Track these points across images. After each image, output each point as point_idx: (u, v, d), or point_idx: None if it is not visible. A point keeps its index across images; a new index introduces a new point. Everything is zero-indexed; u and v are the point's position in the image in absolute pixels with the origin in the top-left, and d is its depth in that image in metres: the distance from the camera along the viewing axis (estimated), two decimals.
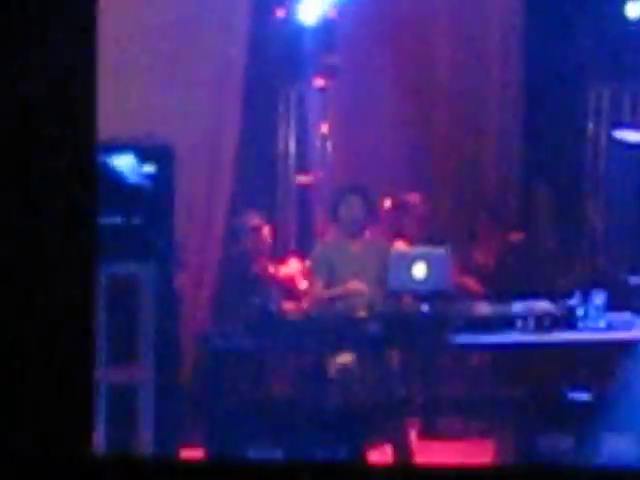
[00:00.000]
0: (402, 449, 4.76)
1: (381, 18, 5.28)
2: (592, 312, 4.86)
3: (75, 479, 3.10)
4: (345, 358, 4.73)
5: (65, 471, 3.06)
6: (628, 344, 4.88)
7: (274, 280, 5.32)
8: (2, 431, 3.05)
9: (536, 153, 5.68)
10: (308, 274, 5.29)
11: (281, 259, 5.44)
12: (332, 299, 4.99)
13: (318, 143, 5.75)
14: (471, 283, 5.17)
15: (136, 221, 4.72)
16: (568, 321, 4.86)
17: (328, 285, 5.07)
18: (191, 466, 4.12)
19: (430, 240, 5.18)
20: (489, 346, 4.96)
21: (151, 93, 5.03)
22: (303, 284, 5.34)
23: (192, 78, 5.18)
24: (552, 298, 4.95)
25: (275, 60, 5.47)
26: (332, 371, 4.80)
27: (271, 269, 5.35)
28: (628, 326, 4.86)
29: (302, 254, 5.52)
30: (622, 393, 4.81)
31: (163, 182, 4.74)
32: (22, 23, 3.14)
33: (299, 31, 5.40)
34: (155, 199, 4.74)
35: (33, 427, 3.05)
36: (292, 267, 5.33)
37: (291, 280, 5.34)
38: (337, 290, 5.05)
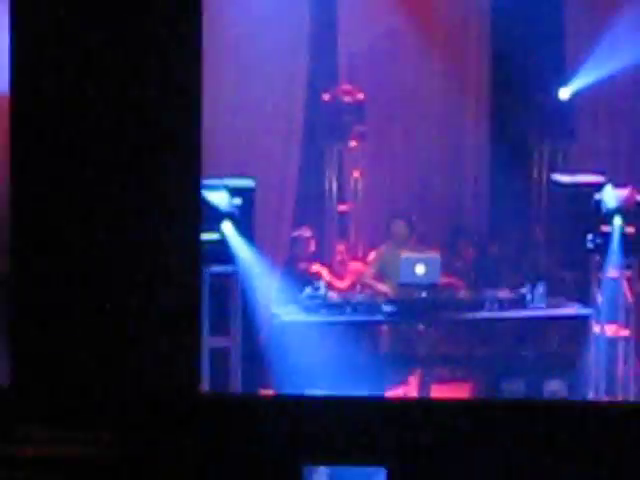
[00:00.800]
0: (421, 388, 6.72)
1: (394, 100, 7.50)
2: (537, 297, 6.73)
3: (190, 410, 3.96)
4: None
5: (184, 405, 3.97)
6: (561, 318, 7.01)
7: (318, 276, 6.99)
8: (146, 381, 3.91)
9: (501, 191, 7.71)
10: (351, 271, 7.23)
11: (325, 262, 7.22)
12: (366, 286, 6.99)
13: (352, 183, 7.60)
14: (454, 280, 7.03)
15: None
16: (521, 303, 6.76)
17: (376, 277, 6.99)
18: (265, 400, 5.67)
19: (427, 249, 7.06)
20: (467, 321, 6.81)
21: (242, 142, 6.87)
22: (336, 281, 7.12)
23: (268, 133, 7.03)
24: (510, 288, 6.89)
25: (323, 126, 7.39)
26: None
27: (315, 268, 7.05)
28: (561, 306, 6.93)
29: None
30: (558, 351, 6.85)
31: (247, 210, 6.38)
32: (141, 73, 3.77)
33: (339, 108, 7.33)
34: (241, 221, 6.34)
35: (164, 376, 3.94)
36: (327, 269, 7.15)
37: (330, 276, 7.08)
38: (374, 285, 6.95)
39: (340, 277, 7.24)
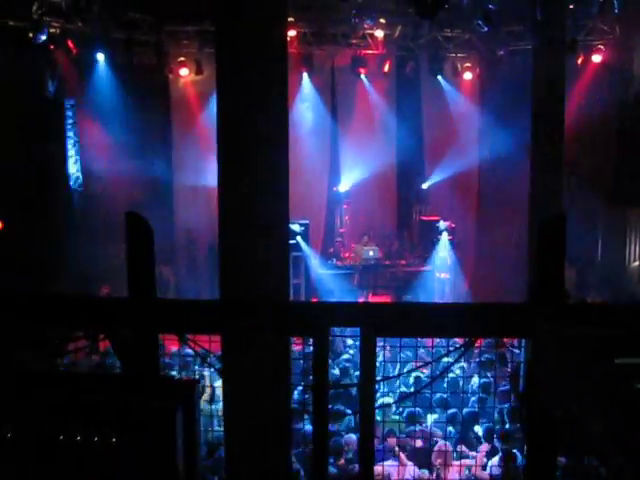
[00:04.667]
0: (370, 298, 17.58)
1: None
2: (416, 262, 17.82)
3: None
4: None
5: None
6: (421, 271, 17.89)
7: (332, 256, 17.95)
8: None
9: (404, 223, 18.93)
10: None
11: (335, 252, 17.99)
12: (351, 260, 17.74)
13: (345, 221, 17.82)
14: (382, 256, 17.89)
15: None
16: (408, 265, 17.87)
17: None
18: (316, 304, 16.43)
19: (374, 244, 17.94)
20: (386, 273, 17.78)
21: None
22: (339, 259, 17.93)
23: (314, 199, 17.69)
24: (406, 260, 17.98)
25: (333, 199, 18.22)
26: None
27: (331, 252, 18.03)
28: (422, 265, 17.92)
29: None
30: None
31: (306, 232, 16.59)
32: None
33: (338, 193, 18.20)
34: (303, 235, 16.99)
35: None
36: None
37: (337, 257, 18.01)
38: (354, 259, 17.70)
39: (341, 259, 17.96)
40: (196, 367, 7.30)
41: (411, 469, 6.56)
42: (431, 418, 8.04)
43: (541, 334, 2.34)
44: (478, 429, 7.98)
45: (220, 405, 6.60)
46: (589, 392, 1.95)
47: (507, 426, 7.78)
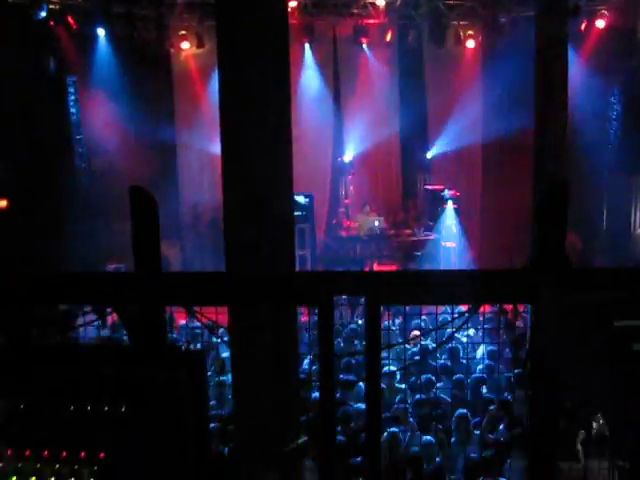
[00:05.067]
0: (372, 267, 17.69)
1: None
2: (419, 232, 17.86)
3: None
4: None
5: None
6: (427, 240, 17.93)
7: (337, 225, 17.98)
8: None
9: (410, 192, 18.89)
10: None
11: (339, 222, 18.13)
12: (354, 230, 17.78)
13: (350, 192, 17.89)
14: (388, 227, 17.92)
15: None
16: (412, 235, 17.92)
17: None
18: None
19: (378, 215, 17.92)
20: (391, 242, 17.84)
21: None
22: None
23: (318, 173, 17.73)
24: (409, 229, 18.00)
25: (338, 169, 18.22)
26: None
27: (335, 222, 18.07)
28: (429, 233, 17.97)
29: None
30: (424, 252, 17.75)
31: (311, 203, 16.77)
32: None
33: (343, 164, 18.26)
34: (309, 207, 17.32)
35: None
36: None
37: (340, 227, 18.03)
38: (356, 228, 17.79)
39: (345, 229, 17.94)
40: (205, 339, 7.39)
41: (417, 435, 6.64)
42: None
43: (540, 301, 2.37)
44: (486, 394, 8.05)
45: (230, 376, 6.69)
46: (588, 358, 1.98)
47: (514, 392, 7.85)
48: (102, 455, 2.15)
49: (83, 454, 2.16)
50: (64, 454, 2.17)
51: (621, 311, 2.09)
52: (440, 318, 4.68)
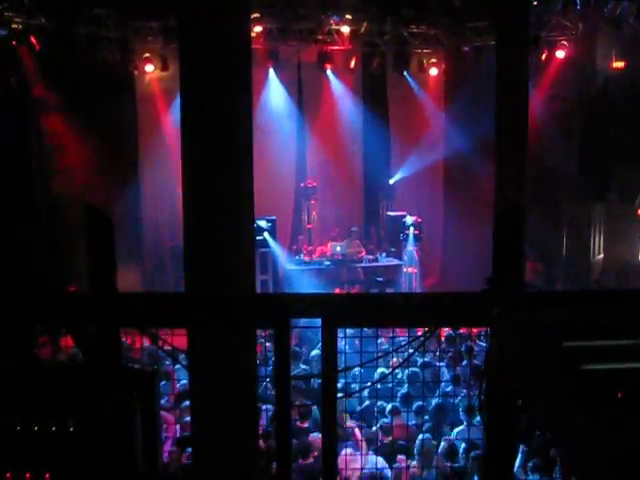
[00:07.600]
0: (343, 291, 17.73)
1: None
2: (381, 258, 17.85)
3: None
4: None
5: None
6: (390, 265, 17.95)
7: (300, 252, 17.94)
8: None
9: (370, 218, 18.95)
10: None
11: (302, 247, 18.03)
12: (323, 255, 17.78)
13: (312, 217, 17.90)
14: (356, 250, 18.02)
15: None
16: (374, 260, 17.89)
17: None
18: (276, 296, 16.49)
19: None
20: (355, 266, 17.81)
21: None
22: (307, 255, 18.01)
23: (280, 195, 17.71)
24: (371, 254, 18.00)
25: (301, 194, 18.24)
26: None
27: (299, 248, 17.99)
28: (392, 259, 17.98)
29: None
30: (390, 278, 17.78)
31: (273, 227, 16.57)
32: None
33: (307, 188, 18.32)
34: (270, 231, 16.97)
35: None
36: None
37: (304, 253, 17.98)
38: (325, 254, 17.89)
39: (307, 254, 17.93)
40: (167, 363, 7.28)
41: (373, 458, 6.60)
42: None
43: (492, 321, 2.39)
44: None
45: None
46: (537, 376, 2.00)
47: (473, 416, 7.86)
48: (47, 476, 2.11)
49: (28, 475, 2.11)
50: (8, 475, 2.12)
51: (571, 331, 2.12)
52: (395, 342, 4.68)
